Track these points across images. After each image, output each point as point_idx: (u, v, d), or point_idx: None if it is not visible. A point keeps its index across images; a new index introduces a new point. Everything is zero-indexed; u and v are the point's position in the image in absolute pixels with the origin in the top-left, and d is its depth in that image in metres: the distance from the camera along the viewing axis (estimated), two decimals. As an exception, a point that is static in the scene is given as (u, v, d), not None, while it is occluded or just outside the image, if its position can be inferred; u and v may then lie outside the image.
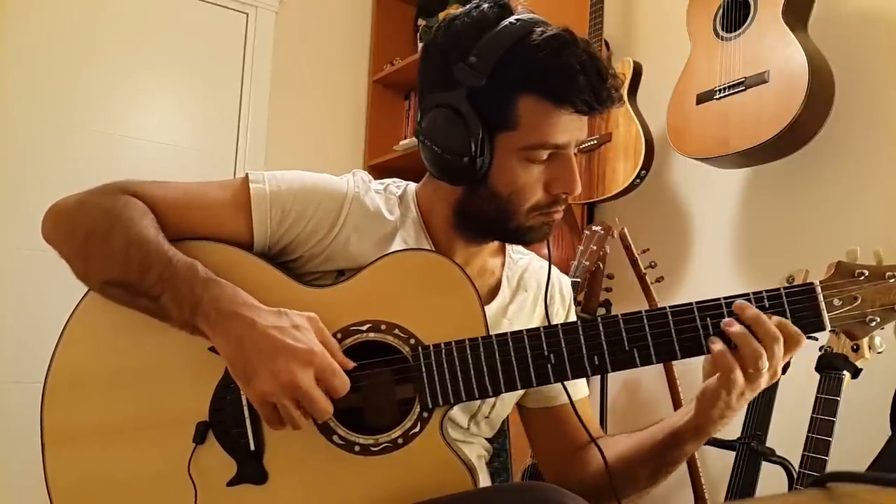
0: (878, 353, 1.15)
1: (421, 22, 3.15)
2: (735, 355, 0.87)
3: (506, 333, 0.93)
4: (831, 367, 1.40)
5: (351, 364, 0.91)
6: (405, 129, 3.19)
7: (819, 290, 0.89)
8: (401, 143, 2.96)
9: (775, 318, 0.88)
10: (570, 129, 0.97)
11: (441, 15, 2.92)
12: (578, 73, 0.92)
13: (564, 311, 1.19)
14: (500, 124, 0.96)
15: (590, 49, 0.95)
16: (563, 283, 1.20)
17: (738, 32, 1.87)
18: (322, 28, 3.15)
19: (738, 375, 0.87)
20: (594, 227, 2.03)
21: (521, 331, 0.93)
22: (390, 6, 3.26)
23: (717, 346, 0.88)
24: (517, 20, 0.96)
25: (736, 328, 0.87)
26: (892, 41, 1.78)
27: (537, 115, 0.95)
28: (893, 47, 1.78)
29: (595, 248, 2.00)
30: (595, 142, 2.24)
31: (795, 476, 1.48)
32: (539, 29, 0.95)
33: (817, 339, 1.44)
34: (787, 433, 1.56)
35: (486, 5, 0.99)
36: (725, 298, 0.90)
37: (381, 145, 3.11)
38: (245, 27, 2.95)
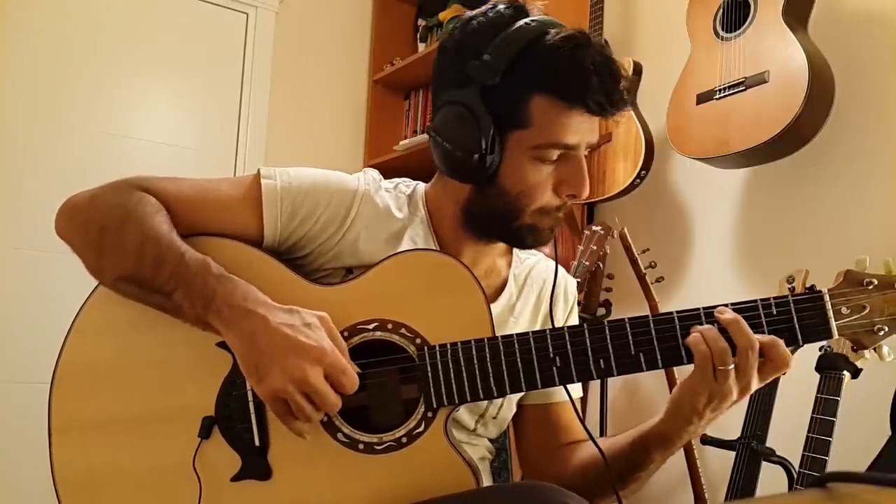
0: (887, 361, 1.15)
1: (421, 22, 3.15)
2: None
3: (512, 335, 0.93)
4: (831, 367, 1.40)
5: (356, 369, 0.91)
6: (405, 129, 3.18)
7: (827, 297, 0.89)
8: (401, 143, 2.96)
9: (769, 337, 0.88)
10: (582, 130, 0.97)
11: (441, 15, 2.93)
12: (591, 75, 0.93)
13: (566, 313, 1.19)
14: (513, 123, 0.97)
15: (604, 51, 0.96)
16: (568, 285, 1.20)
17: (738, 32, 1.87)
18: (322, 28, 3.15)
19: (710, 369, 0.87)
20: (594, 227, 2.03)
21: (527, 333, 0.93)
22: (390, 6, 3.26)
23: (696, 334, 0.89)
24: (533, 21, 0.97)
25: (705, 328, 0.88)
26: (892, 41, 1.79)
27: (550, 114, 0.96)
28: (893, 47, 1.78)
29: (595, 248, 2.00)
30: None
31: (795, 476, 1.48)
32: (554, 30, 0.96)
33: (818, 339, 1.45)
34: (787, 433, 1.56)
35: (502, 6, 1.00)
36: (734, 304, 0.91)
37: (381, 145, 3.11)
38: (245, 27, 2.95)
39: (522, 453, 1.20)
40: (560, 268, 1.15)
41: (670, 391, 1.90)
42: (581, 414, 1.12)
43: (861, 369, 1.40)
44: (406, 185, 1.13)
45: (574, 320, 1.21)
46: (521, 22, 0.97)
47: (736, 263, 2.11)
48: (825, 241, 1.85)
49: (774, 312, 0.89)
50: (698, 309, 0.90)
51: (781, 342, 0.88)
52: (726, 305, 0.90)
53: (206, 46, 2.87)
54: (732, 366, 0.87)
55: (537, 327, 1.15)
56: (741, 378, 0.88)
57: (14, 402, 2.31)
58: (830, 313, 0.89)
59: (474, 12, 1.03)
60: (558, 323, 1.17)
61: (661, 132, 2.13)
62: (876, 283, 0.90)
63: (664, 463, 1.02)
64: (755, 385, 0.89)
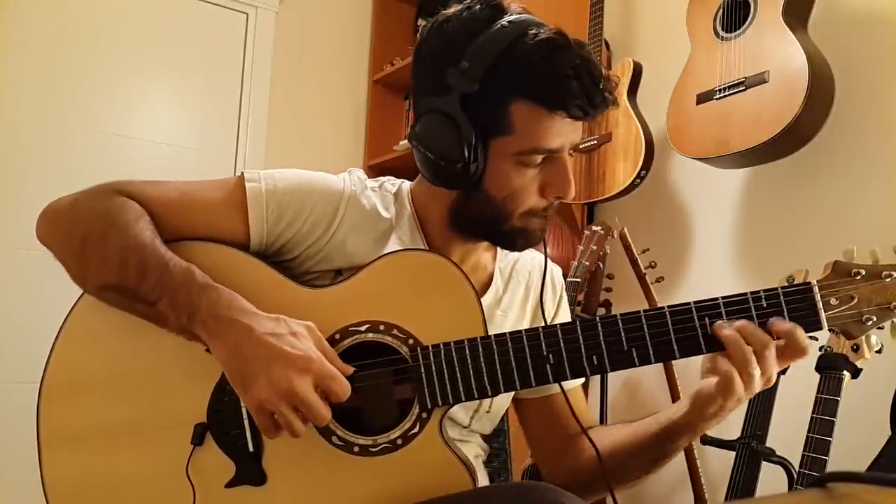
0: (877, 351, 1.15)
1: (421, 22, 3.15)
2: (730, 361, 0.88)
3: (504, 334, 0.93)
4: (831, 367, 1.40)
5: (350, 370, 0.90)
6: (405, 129, 3.18)
7: (816, 289, 0.89)
8: (401, 143, 2.96)
9: (789, 324, 0.87)
10: (564, 133, 0.97)
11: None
12: (571, 79, 0.91)
13: (555, 301, 1.19)
14: (494, 129, 0.96)
15: (583, 52, 0.94)
16: (554, 273, 1.20)
17: (738, 32, 1.87)
18: (322, 28, 3.15)
19: (738, 384, 0.87)
20: (594, 227, 2.02)
21: (520, 331, 0.93)
22: (390, 6, 3.26)
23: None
24: (509, 23, 0.95)
25: (727, 331, 0.87)
26: (892, 41, 1.78)
27: (531, 120, 0.95)
28: (893, 47, 1.78)
29: (595, 248, 2.00)
30: (595, 142, 2.24)
31: (795, 476, 1.48)
32: (532, 32, 0.94)
33: (817, 340, 1.44)
34: (787, 433, 1.56)
35: (477, 6, 0.98)
36: (724, 298, 0.90)
37: (381, 145, 3.11)
38: (245, 27, 2.95)
39: (533, 448, 1.19)
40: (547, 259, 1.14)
41: (670, 388, 1.92)
42: (580, 403, 1.12)
43: (861, 369, 1.39)
44: (391, 183, 1.12)
45: (565, 308, 1.21)
46: (497, 24, 0.95)
47: (736, 263, 2.10)
48: (825, 241, 1.85)
49: (764, 305, 0.89)
50: (689, 303, 0.90)
51: (798, 328, 0.87)
52: (717, 299, 0.90)
53: (206, 46, 2.86)
54: (758, 372, 0.88)
55: (526, 319, 1.15)
56: (764, 373, 0.88)
57: (14, 403, 2.31)
58: (820, 304, 0.89)
59: (449, 13, 1.01)
60: (549, 312, 1.16)
61: (661, 132, 2.12)
62: (864, 272, 0.90)
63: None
64: (775, 374, 0.90)
